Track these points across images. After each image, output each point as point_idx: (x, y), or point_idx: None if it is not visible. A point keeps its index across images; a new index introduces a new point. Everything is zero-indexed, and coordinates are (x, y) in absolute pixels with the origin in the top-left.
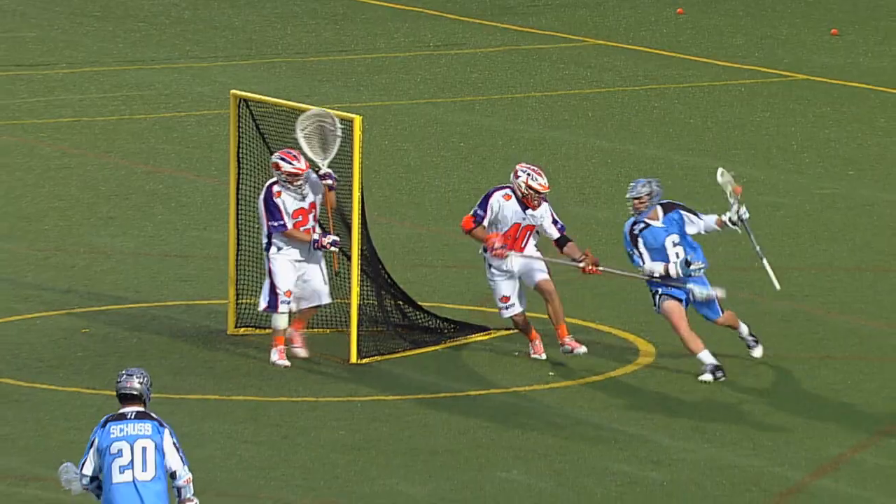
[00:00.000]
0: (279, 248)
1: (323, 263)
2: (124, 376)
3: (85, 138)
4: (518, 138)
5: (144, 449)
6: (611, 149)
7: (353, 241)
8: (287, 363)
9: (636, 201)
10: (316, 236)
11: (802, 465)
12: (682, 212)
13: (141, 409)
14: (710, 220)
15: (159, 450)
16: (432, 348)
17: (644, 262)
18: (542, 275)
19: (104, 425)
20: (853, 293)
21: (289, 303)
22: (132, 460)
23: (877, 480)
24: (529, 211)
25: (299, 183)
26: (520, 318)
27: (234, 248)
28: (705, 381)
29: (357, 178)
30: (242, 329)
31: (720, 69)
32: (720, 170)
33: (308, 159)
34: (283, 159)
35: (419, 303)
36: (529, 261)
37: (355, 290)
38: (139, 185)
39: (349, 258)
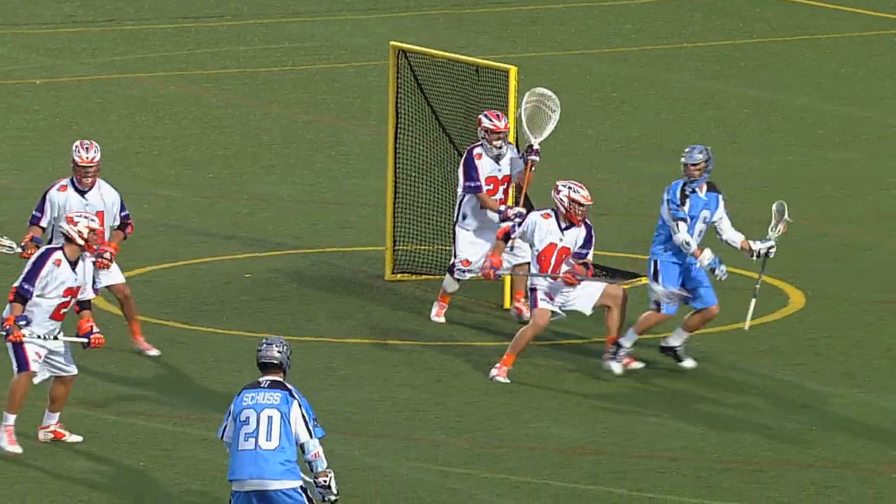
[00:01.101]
0: (465, 217)
1: None
2: (264, 345)
3: (248, 89)
4: (669, 88)
5: (270, 418)
6: (761, 98)
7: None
8: (442, 320)
9: (693, 167)
10: (503, 208)
11: None
12: (721, 198)
13: (277, 378)
14: (734, 234)
15: (285, 420)
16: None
17: (680, 230)
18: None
19: (240, 392)
20: None
21: (465, 271)
22: (257, 428)
23: None
24: (570, 232)
25: (498, 143)
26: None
27: (392, 196)
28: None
29: (513, 128)
30: (399, 275)
31: (871, 19)
32: (781, 203)
33: (520, 131)
34: (485, 116)
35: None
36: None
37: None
38: (300, 134)
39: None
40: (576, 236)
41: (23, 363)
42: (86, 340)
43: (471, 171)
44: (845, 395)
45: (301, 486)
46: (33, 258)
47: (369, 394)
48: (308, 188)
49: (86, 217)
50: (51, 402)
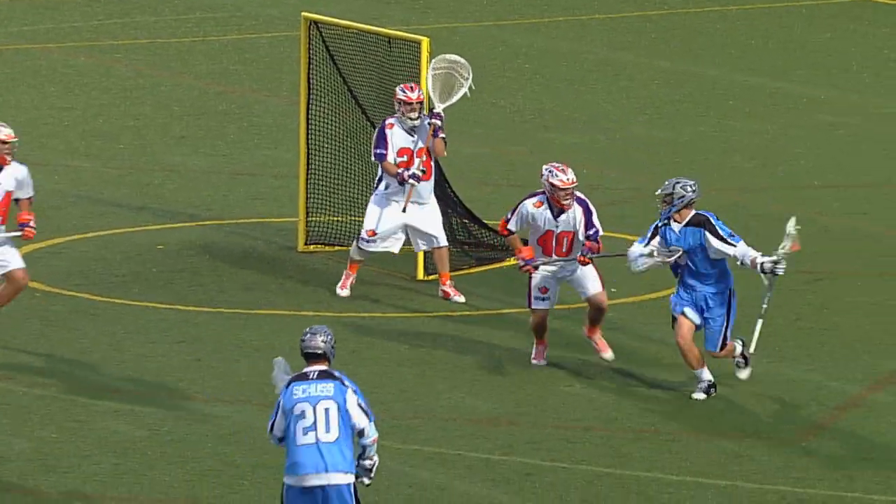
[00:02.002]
0: (387, 186)
1: (434, 205)
2: (308, 335)
3: (159, 59)
4: (582, 59)
5: (327, 410)
6: (673, 69)
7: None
8: (346, 293)
9: (660, 198)
10: (401, 170)
11: (859, 380)
12: (705, 231)
13: (324, 367)
14: (747, 252)
15: (342, 410)
16: (497, 265)
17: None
18: (595, 288)
19: (288, 386)
20: None
21: (368, 241)
22: (315, 422)
23: None
24: (562, 217)
25: (413, 115)
26: (542, 315)
27: (305, 167)
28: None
29: (425, 100)
30: (312, 246)
31: None
32: (793, 220)
33: (428, 97)
34: (400, 88)
35: (484, 221)
36: (584, 270)
37: None
38: (211, 105)
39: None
40: (571, 218)
41: None
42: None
43: (379, 141)
44: (755, 364)
45: (351, 484)
46: None
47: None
48: (220, 159)
49: None
50: None
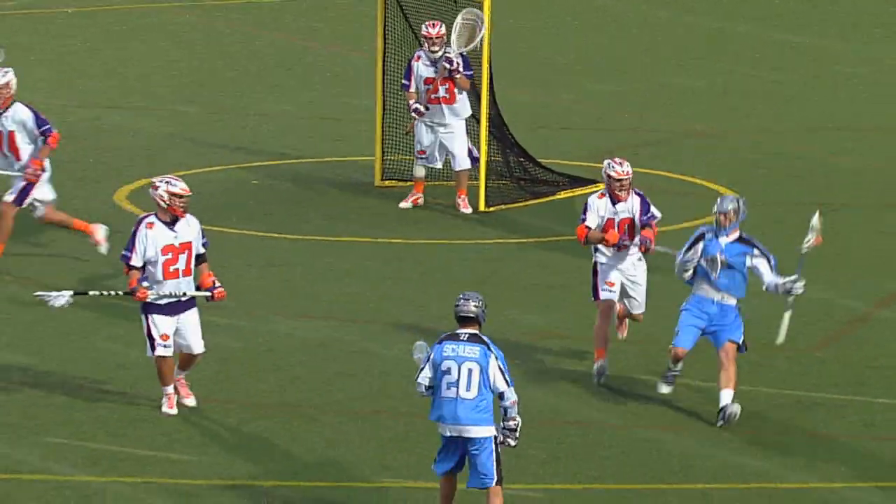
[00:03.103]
0: (419, 113)
1: (462, 131)
2: (462, 300)
3: (254, 17)
4: (621, 15)
5: (470, 371)
6: (702, 24)
7: (482, 105)
8: (409, 206)
9: (721, 216)
10: (411, 102)
11: (866, 298)
12: (752, 248)
13: (475, 331)
14: (773, 280)
15: (484, 372)
16: (549, 198)
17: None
18: (639, 309)
19: (440, 342)
20: None
21: (423, 159)
22: (458, 379)
23: None
24: (620, 205)
25: (435, 48)
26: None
27: (381, 112)
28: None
29: (486, 50)
30: (388, 181)
31: None
32: (817, 214)
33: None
34: (424, 25)
35: (538, 159)
36: (640, 289)
37: (483, 148)
38: (299, 58)
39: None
40: (629, 207)
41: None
42: (209, 294)
43: (406, 73)
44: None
45: (493, 436)
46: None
47: (361, 287)
48: (307, 106)
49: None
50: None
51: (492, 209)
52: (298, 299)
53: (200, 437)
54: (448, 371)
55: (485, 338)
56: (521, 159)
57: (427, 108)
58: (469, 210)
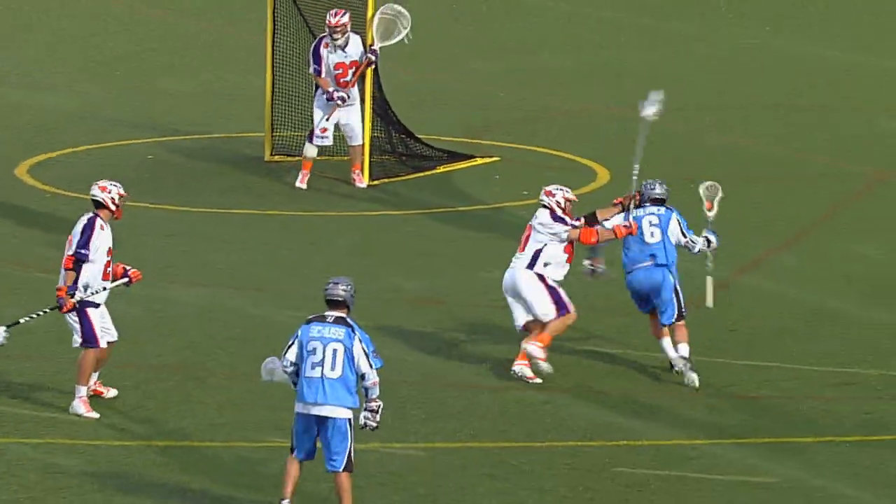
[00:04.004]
0: (324, 93)
1: (358, 109)
2: (331, 284)
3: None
4: (495, 0)
5: (335, 351)
6: (571, 11)
7: (366, 84)
8: (304, 187)
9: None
10: (331, 89)
11: (727, 266)
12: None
13: (342, 314)
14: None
15: (348, 353)
16: (429, 172)
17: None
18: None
19: (308, 322)
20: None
21: (322, 138)
22: (323, 359)
23: (791, 277)
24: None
25: (337, 36)
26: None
27: (270, 90)
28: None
29: (370, 32)
30: (277, 157)
31: None
32: (703, 185)
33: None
34: (329, 14)
35: (418, 135)
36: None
37: (367, 125)
38: (193, 39)
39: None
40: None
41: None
42: (127, 280)
43: (314, 57)
44: None
45: (349, 419)
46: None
47: (252, 255)
48: (200, 84)
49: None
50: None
51: (375, 183)
52: (192, 268)
53: (99, 400)
54: (314, 351)
55: (350, 320)
56: (403, 136)
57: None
58: (364, 185)
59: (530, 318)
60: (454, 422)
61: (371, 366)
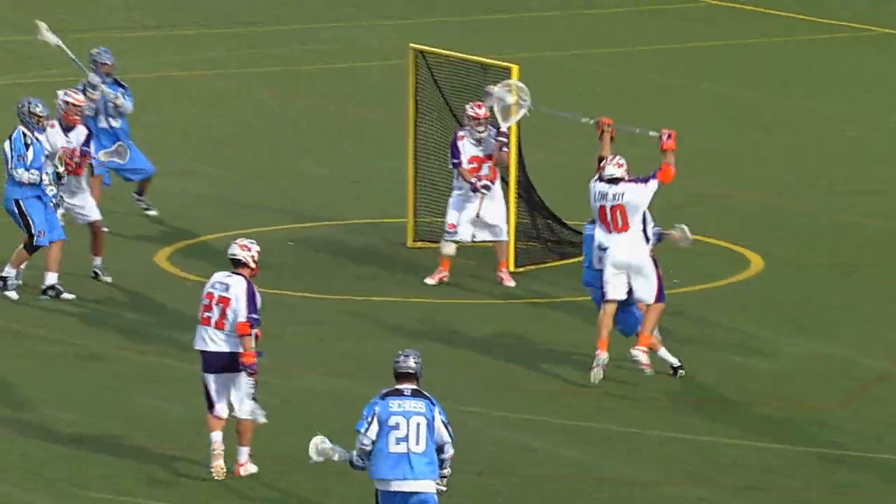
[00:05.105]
0: (460, 188)
1: (501, 203)
2: (402, 356)
3: (288, 84)
4: (639, 84)
5: (419, 425)
6: (719, 92)
7: (511, 168)
8: (433, 282)
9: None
10: (473, 180)
11: (885, 356)
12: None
13: (415, 386)
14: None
15: (430, 425)
16: (576, 259)
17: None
18: None
19: (383, 398)
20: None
21: (453, 234)
22: (407, 434)
23: None
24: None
25: (480, 128)
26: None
27: (413, 174)
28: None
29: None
30: (419, 243)
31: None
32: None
33: (492, 115)
34: (469, 105)
35: (564, 221)
36: None
37: (513, 210)
38: (332, 123)
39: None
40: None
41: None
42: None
43: (453, 151)
44: (798, 343)
45: (435, 492)
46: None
47: (392, 344)
48: (340, 168)
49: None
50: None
51: (520, 270)
52: (330, 357)
53: (231, 491)
54: (396, 426)
55: (426, 392)
56: (549, 220)
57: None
58: (513, 284)
59: (623, 297)
60: None
61: (451, 437)
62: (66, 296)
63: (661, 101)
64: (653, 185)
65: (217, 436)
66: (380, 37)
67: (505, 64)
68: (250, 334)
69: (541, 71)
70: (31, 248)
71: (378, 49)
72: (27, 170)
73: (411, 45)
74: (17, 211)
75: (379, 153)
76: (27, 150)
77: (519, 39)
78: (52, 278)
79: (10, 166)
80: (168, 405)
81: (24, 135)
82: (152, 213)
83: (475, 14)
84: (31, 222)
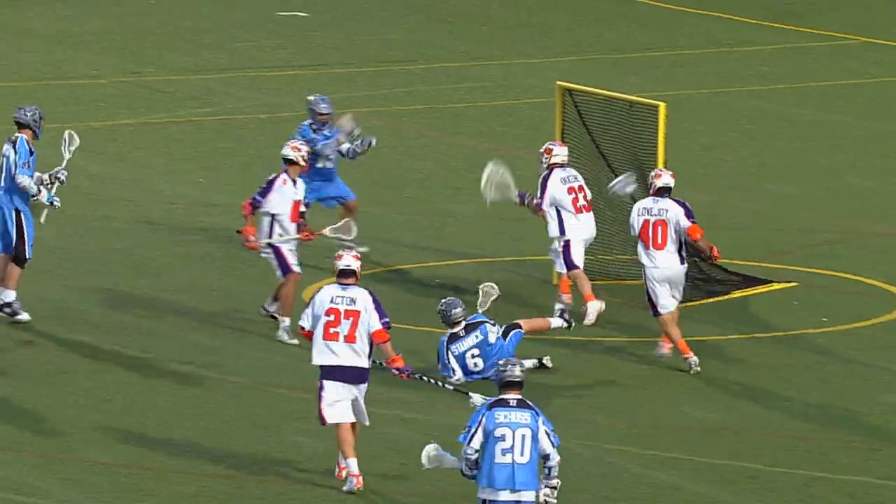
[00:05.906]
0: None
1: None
2: (509, 365)
3: (437, 122)
4: (798, 121)
5: (524, 436)
6: (878, 129)
7: None
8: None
9: None
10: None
11: None
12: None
13: (521, 396)
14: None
15: (534, 436)
16: (723, 297)
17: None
18: None
19: (490, 408)
20: None
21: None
22: (513, 446)
23: None
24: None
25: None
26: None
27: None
28: None
29: (661, 155)
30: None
31: None
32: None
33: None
34: (551, 143)
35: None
36: None
37: None
38: (482, 161)
39: None
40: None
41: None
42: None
43: (542, 191)
44: None
45: (544, 501)
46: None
47: (541, 379)
48: (489, 206)
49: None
50: None
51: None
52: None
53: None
54: (502, 437)
55: (530, 402)
56: (696, 259)
57: None
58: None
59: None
60: None
61: (554, 445)
62: (21, 316)
63: (816, 137)
64: (685, 223)
65: (353, 463)
66: (528, 75)
67: (652, 101)
68: (389, 338)
69: (687, 109)
70: (22, 261)
71: (526, 87)
72: (31, 177)
73: (559, 82)
74: (13, 221)
75: (529, 190)
76: (31, 156)
77: (666, 77)
78: (10, 296)
79: (12, 173)
80: (314, 441)
81: (28, 141)
82: (363, 249)
83: (621, 52)
84: (25, 235)
